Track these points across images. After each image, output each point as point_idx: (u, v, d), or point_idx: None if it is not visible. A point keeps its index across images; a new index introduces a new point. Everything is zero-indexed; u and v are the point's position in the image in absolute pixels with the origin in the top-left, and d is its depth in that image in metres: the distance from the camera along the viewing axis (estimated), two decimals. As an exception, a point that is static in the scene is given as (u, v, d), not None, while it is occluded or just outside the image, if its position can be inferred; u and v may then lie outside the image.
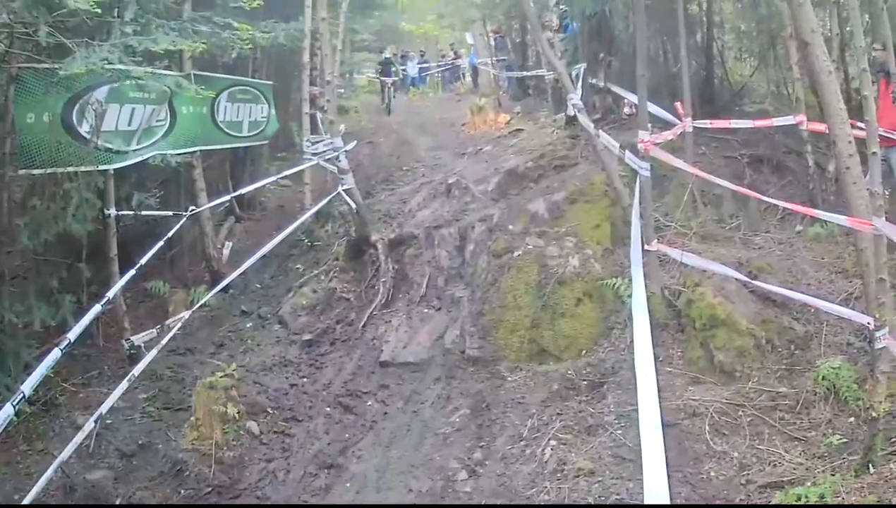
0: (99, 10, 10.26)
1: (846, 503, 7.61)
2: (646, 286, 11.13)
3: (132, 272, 10.95)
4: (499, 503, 8.95)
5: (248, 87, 17.24)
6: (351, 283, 14.36)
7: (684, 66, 15.11)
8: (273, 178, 16.97)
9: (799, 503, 7.72)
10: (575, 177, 14.90)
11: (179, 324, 11.37)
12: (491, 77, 31.03)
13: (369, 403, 11.49)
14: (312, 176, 17.66)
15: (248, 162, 19.33)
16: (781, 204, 9.55)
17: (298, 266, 15.65)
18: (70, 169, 11.51)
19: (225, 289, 13.57)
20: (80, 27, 10.65)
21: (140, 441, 10.59)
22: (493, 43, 30.01)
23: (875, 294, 8.34)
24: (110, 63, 10.52)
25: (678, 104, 14.72)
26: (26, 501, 8.13)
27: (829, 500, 7.61)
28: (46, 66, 10.69)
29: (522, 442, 9.87)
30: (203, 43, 12.65)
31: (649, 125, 11.76)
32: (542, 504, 8.66)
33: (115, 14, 11.62)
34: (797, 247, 12.69)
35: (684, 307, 11.10)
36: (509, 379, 11.31)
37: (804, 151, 14.42)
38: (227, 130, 16.38)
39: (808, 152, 14.33)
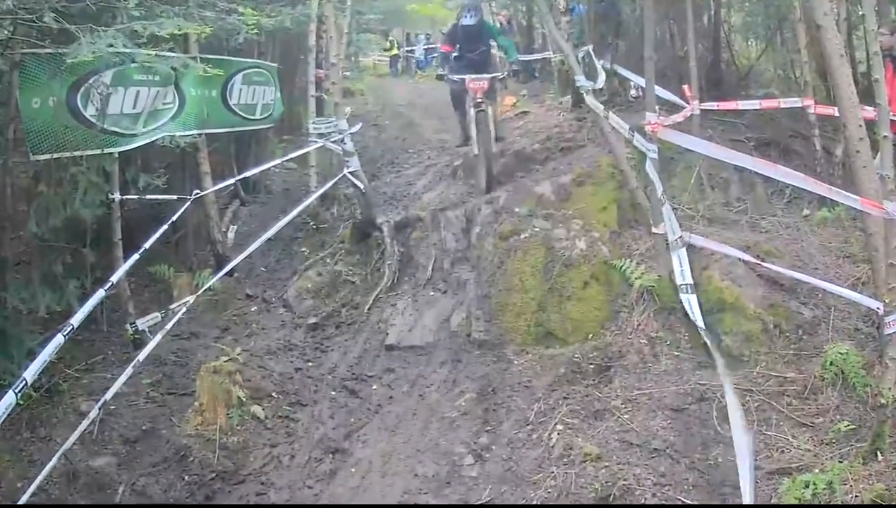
0: (104, -5, 10.22)
1: (854, 490, 7.60)
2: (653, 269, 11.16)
3: (136, 256, 10.90)
4: (504, 488, 8.95)
5: (259, 70, 17.20)
6: (356, 266, 14.30)
7: (691, 48, 15.06)
8: (278, 161, 16.92)
9: (801, 497, 7.71)
10: (581, 159, 14.83)
11: (184, 309, 11.31)
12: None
13: (374, 387, 11.44)
14: (318, 158, 17.60)
15: (253, 145, 19.25)
16: (800, 182, 9.46)
17: (304, 249, 15.60)
18: (76, 153, 11.46)
19: (230, 273, 13.52)
20: (84, 11, 10.57)
21: (144, 427, 10.53)
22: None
23: (885, 279, 8.31)
24: (115, 48, 10.46)
25: (685, 87, 14.70)
26: (32, 488, 8.11)
27: (837, 487, 7.60)
28: (50, 51, 10.63)
29: (529, 427, 9.86)
30: (209, 28, 12.57)
31: (657, 107, 11.72)
32: (536, 504, 8.67)
33: (120, -2, 11.55)
34: (804, 232, 12.65)
35: (691, 290, 11.08)
36: (516, 362, 11.26)
37: (811, 135, 14.37)
38: (240, 113, 16.36)
39: (816, 136, 14.27)
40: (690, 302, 10.51)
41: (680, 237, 10.98)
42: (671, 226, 11.25)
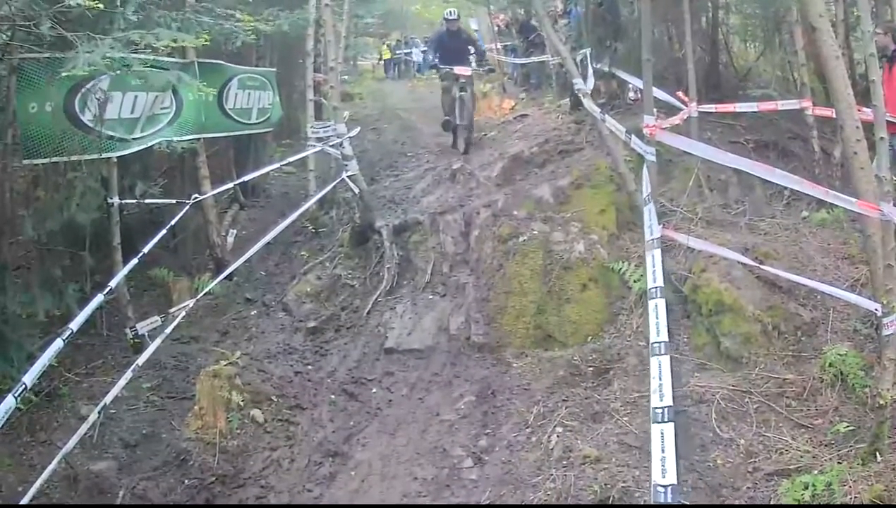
0: (101, 5, 10.15)
1: (854, 491, 7.59)
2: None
3: (135, 260, 10.94)
4: (504, 491, 8.94)
5: (255, 75, 17.20)
6: (355, 270, 14.31)
7: (689, 51, 15.06)
8: (277, 165, 16.93)
9: (800, 498, 7.70)
10: (580, 162, 14.88)
11: (183, 313, 11.32)
12: (495, 62, 30.91)
13: (374, 390, 11.46)
14: (316, 162, 17.60)
15: (252, 149, 19.23)
16: (797, 185, 9.39)
17: (303, 253, 15.60)
18: (74, 158, 11.48)
19: (229, 277, 13.55)
20: (81, 18, 10.57)
21: (143, 431, 10.52)
22: (496, 28, 29.94)
23: (883, 280, 8.30)
24: (112, 58, 10.46)
25: (681, 90, 14.71)
26: (32, 491, 8.11)
27: (836, 488, 7.59)
28: (48, 55, 10.64)
29: (528, 429, 9.86)
30: (206, 38, 12.53)
31: (654, 110, 11.73)
32: (535, 505, 8.66)
33: (119, 3, 11.51)
34: (803, 233, 12.63)
35: (690, 292, 11.08)
36: (515, 365, 11.29)
37: (809, 137, 14.38)
38: (236, 117, 16.34)
39: (814, 138, 14.28)
40: (658, 307, 9.24)
41: (656, 239, 10.77)
42: (650, 225, 11.15)
